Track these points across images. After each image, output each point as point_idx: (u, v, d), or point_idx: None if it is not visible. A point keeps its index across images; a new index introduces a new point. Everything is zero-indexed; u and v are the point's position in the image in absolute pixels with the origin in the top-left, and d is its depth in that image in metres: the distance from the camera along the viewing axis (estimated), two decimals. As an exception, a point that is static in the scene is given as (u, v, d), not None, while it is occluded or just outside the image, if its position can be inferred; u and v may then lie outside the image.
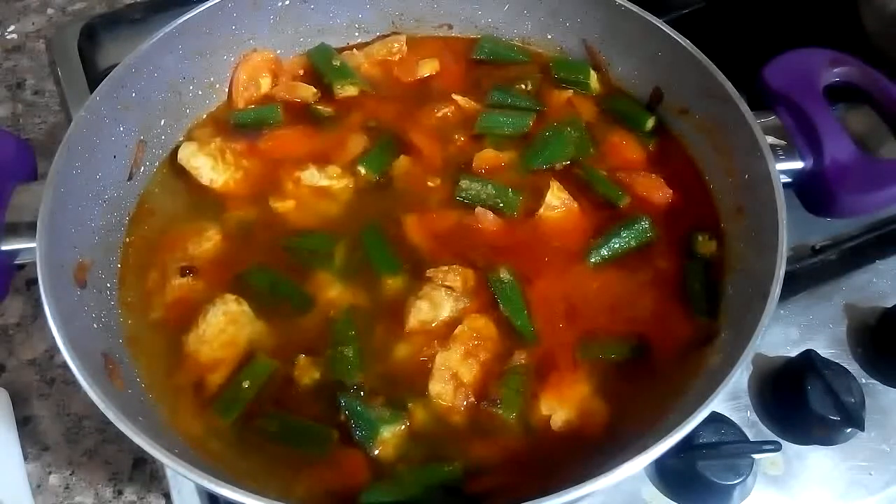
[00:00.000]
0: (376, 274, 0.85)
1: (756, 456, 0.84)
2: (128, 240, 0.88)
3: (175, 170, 0.94)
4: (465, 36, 1.08)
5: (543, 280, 0.85)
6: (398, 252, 0.87)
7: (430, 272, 0.83)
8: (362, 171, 0.93)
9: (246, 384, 0.77)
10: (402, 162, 0.94)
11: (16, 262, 0.79)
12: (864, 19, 1.18)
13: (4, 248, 0.78)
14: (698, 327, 0.82)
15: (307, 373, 0.78)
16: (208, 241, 0.87)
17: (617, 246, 0.87)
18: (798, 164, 0.86)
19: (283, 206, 0.90)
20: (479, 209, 0.89)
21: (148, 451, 0.64)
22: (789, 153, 0.86)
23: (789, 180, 0.86)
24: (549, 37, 1.06)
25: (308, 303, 0.83)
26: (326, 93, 1.01)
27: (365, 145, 0.95)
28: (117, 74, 0.88)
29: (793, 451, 0.88)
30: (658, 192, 0.91)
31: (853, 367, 0.92)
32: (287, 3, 1.02)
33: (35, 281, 0.72)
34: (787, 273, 0.74)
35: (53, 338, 0.69)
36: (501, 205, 0.90)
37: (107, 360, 0.75)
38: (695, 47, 0.92)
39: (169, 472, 0.87)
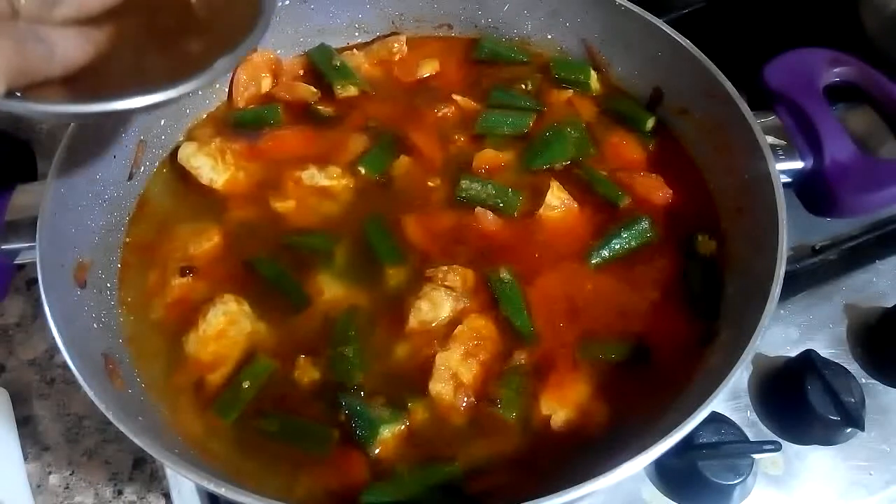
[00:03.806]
0: (379, 265, 0.84)
1: (756, 456, 0.85)
2: (128, 240, 0.88)
3: (175, 170, 0.93)
4: (465, 36, 1.08)
5: (543, 280, 0.85)
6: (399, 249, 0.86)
7: (429, 272, 0.83)
8: (362, 171, 0.93)
9: (246, 384, 0.77)
10: (403, 162, 0.94)
11: (16, 262, 0.79)
12: (864, 19, 1.18)
13: (4, 248, 0.78)
14: (698, 327, 0.81)
15: (307, 373, 0.78)
16: (208, 241, 0.87)
17: (617, 246, 0.87)
18: (798, 164, 0.86)
19: (284, 206, 0.90)
20: (479, 209, 0.89)
21: (148, 451, 0.64)
22: (789, 153, 0.86)
23: (789, 180, 0.86)
24: (549, 37, 1.06)
25: (306, 301, 0.83)
26: (326, 93, 1.01)
27: (365, 145, 0.95)
28: (117, 74, 0.88)
29: (793, 451, 0.88)
30: (658, 192, 0.91)
31: (853, 367, 0.92)
32: (287, 3, 1.02)
33: (35, 281, 0.72)
34: (787, 273, 0.74)
35: (53, 338, 0.69)
36: (501, 205, 0.89)
37: (107, 360, 0.75)
38: (695, 47, 0.92)
39: (169, 472, 0.87)
